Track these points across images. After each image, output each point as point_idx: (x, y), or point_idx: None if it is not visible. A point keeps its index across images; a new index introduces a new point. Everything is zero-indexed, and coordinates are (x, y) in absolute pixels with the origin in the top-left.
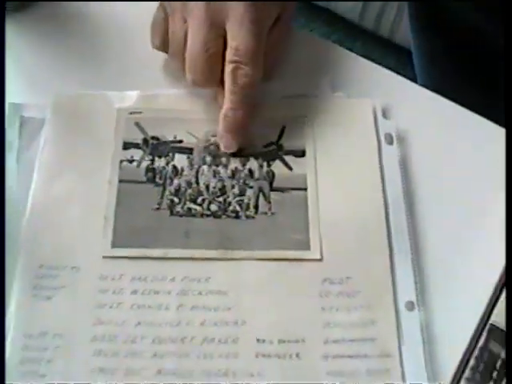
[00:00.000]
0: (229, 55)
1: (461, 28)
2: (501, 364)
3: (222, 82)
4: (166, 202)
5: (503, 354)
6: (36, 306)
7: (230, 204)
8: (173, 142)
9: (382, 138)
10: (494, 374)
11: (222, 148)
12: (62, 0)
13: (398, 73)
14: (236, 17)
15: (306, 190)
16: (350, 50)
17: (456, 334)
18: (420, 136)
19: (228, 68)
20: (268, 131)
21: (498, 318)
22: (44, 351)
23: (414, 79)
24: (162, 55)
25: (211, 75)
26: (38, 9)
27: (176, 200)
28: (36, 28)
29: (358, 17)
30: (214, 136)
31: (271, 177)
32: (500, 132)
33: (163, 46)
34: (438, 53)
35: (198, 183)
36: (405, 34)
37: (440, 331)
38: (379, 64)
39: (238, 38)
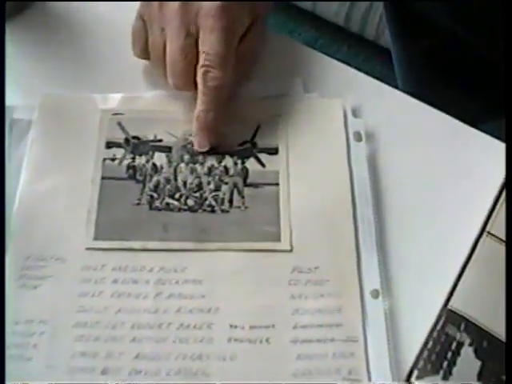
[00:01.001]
0: (200, 60)
1: (436, 33)
2: (456, 345)
3: None
4: (145, 197)
5: (458, 336)
6: (23, 295)
7: (206, 199)
8: (153, 141)
9: (351, 136)
10: (449, 355)
11: (196, 146)
12: (50, 0)
13: (383, 74)
14: (207, 25)
15: (277, 185)
16: (337, 53)
17: (418, 321)
18: (387, 133)
19: (199, 72)
20: (243, 130)
21: (456, 303)
22: (30, 337)
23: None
24: (143, 61)
25: (189, 79)
26: (25, 14)
27: (155, 195)
28: (23, 33)
29: (345, 17)
30: (191, 135)
31: (245, 173)
32: (465, 129)
33: (143, 53)
34: (416, 56)
35: (176, 180)
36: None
37: (403, 318)
38: (365, 66)
39: (207, 43)
